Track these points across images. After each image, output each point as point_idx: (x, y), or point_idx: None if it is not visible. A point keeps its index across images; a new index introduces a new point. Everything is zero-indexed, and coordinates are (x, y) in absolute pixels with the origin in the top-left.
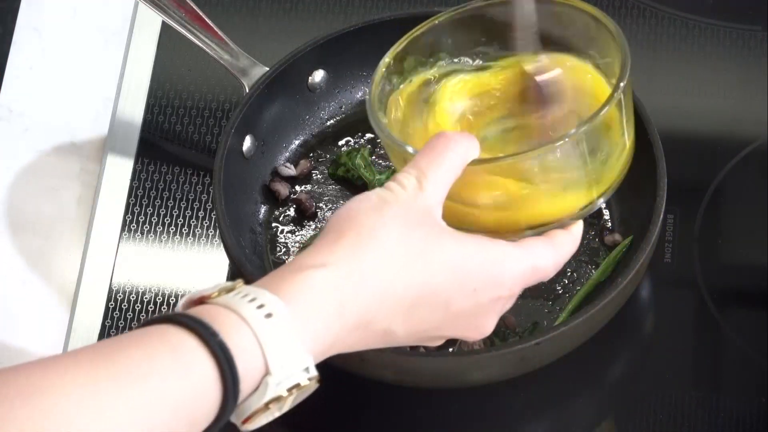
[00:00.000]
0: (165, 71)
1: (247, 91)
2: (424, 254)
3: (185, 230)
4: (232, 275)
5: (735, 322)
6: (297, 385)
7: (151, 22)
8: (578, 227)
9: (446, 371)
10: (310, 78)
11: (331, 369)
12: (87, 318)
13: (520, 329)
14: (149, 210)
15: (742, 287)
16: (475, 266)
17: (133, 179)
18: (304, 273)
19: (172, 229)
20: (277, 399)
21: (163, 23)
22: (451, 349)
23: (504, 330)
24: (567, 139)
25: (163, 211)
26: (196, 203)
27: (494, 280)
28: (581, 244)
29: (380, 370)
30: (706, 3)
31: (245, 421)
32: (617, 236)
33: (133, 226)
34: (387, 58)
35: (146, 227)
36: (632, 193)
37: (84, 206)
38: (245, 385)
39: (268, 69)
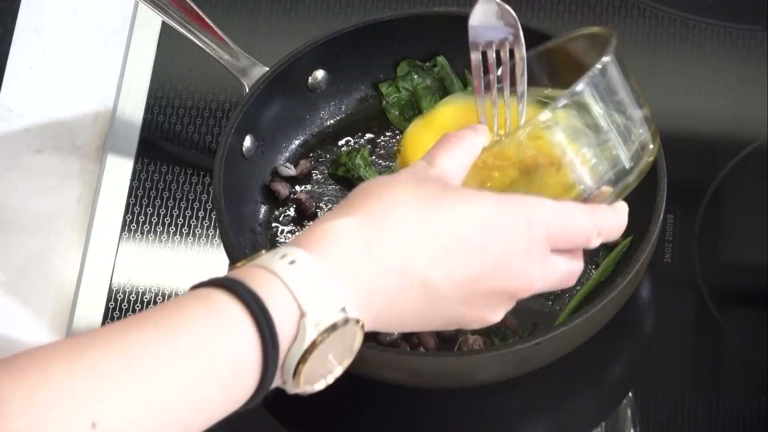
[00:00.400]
0: (165, 71)
1: (247, 91)
2: (447, 201)
3: (185, 230)
4: None
5: (735, 321)
6: (335, 326)
7: (151, 22)
8: (621, 204)
9: (446, 371)
10: (310, 78)
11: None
12: (87, 318)
13: (521, 330)
14: (149, 210)
15: (742, 287)
16: (505, 208)
17: (133, 179)
18: (325, 225)
19: (172, 228)
20: (322, 346)
21: (163, 23)
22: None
23: (504, 330)
24: (553, 111)
25: (163, 210)
26: (196, 203)
27: (526, 218)
28: None
29: (381, 370)
30: (706, 3)
31: (299, 379)
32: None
33: (133, 226)
34: None
35: (146, 227)
36: (632, 193)
37: (84, 206)
38: (283, 332)
39: (268, 69)
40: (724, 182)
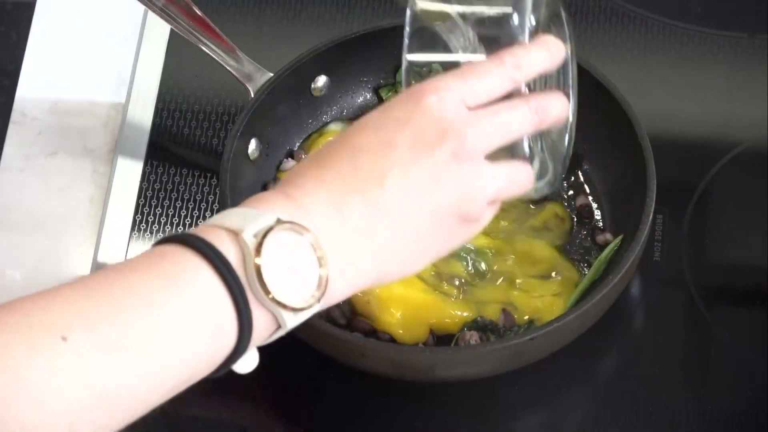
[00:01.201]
0: (173, 77)
1: (253, 95)
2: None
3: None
4: None
5: (723, 318)
6: (270, 228)
7: (160, 29)
8: (547, 38)
9: (443, 365)
10: (313, 83)
11: (332, 364)
12: None
13: (516, 326)
14: (158, 210)
15: (729, 285)
16: (395, 98)
17: (142, 181)
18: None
19: (180, 228)
20: (269, 251)
21: (172, 31)
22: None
23: (501, 328)
24: None
25: (171, 211)
26: (203, 204)
27: (410, 91)
28: (575, 243)
29: (379, 365)
30: (694, 11)
31: (271, 293)
32: (608, 236)
33: (143, 226)
34: None
35: (155, 227)
36: (623, 193)
37: (95, 206)
38: (230, 254)
39: (272, 75)
40: (711, 183)
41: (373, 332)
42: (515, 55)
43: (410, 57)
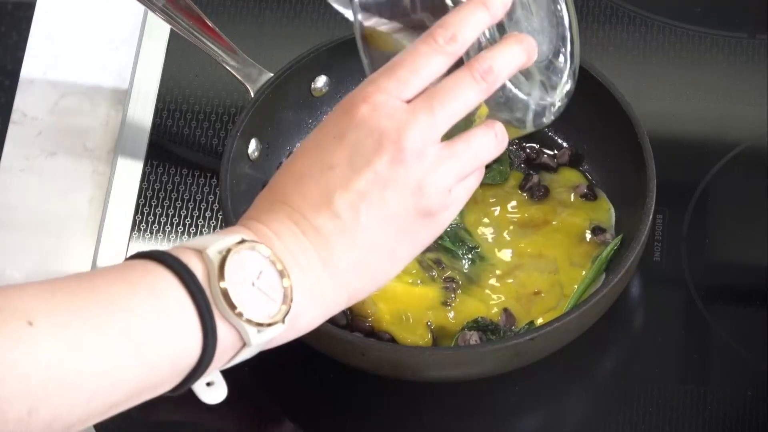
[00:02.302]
0: (173, 77)
1: (253, 96)
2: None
3: (193, 230)
4: None
5: (722, 318)
6: (230, 249)
7: (161, 30)
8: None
9: (443, 365)
10: (313, 83)
11: (332, 364)
12: None
13: (516, 326)
14: (158, 210)
15: (729, 285)
16: (334, 110)
17: (142, 181)
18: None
19: (180, 228)
20: (232, 269)
21: (172, 31)
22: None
23: (501, 328)
24: None
25: (171, 211)
26: (203, 204)
27: (343, 104)
28: (572, 244)
29: (379, 364)
30: (694, 11)
31: (236, 309)
32: (608, 235)
33: (143, 226)
34: None
35: (155, 227)
36: (623, 193)
37: (96, 207)
38: (196, 269)
39: (272, 75)
40: (711, 184)
41: (373, 332)
42: (446, 26)
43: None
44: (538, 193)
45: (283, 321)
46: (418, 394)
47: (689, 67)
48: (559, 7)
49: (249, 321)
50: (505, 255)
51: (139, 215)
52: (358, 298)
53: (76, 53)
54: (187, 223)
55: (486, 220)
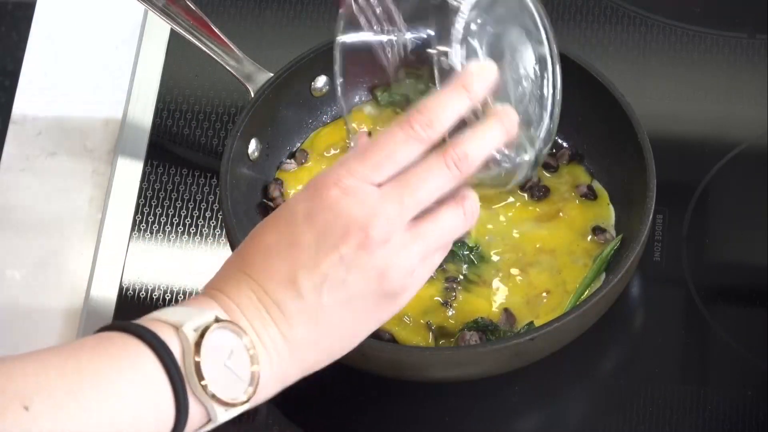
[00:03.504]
0: (173, 77)
1: (253, 96)
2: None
3: (193, 230)
4: None
5: (722, 318)
6: (207, 327)
7: (161, 30)
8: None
9: (443, 365)
10: (312, 83)
11: (332, 364)
12: (98, 314)
13: (516, 326)
14: (158, 210)
15: (729, 285)
16: (302, 192)
17: (142, 181)
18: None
19: (180, 228)
20: (207, 348)
21: (172, 31)
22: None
23: (501, 328)
24: None
25: (171, 211)
26: (203, 204)
27: (316, 183)
28: (572, 243)
29: (380, 365)
30: (694, 12)
31: (207, 388)
32: (608, 235)
33: (143, 226)
34: None
35: (155, 227)
36: (623, 193)
37: (96, 207)
38: (172, 345)
39: (272, 75)
40: (711, 183)
41: (373, 332)
42: (424, 111)
43: (342, 38)
44: (539, 193)
45: (248, 400)
46: (418, 394)
47: (689, 67)
48: (544, 65)
49: (218, 400)
50: (506, 255)
51: (139, 215)
52: (311, 371)
53: (76, 53)
54: (187, 223)
55: (486, 220)
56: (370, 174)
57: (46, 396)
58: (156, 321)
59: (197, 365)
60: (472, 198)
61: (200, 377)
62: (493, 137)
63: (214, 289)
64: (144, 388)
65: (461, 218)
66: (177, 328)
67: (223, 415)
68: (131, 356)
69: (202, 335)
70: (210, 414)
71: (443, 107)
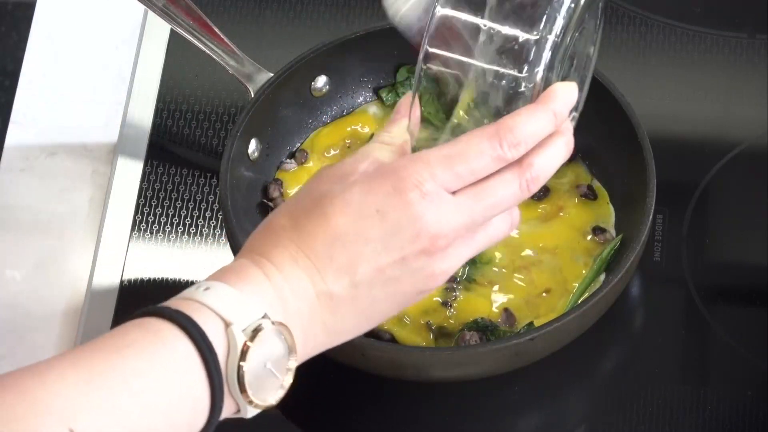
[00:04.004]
0: (173, 77)
1: (253, 96)
2: (321, 208)
3: (193, 230)
4: None
5: (722, 318)
6: (259, 327)
7: (161, 30)
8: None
9: (443, 365)
10: (313, 83)
11: (333, 364)
12: (98, 314)
13: (516, 326)
14: (158, 210)
15: (729, 285)
16: (372, 186)
17: (142, 181)
18: (235, 261)
19: (180, 228)
20: (255, 350)
21: (172, 31)
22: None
23: (501, 328)
24: None
25: (171, 211)
26: (203, 204)
27: (392, 186)
28: (573, 242)
29: (380, 365)
30: (694, 11)
31: (247, 390)
32: (608, 235)
33: (143, 226)
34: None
35: (155, 227)
36: (623, 193)
37: (95, 207)
38: (218, 345)
39: (272, 75)
40: (711, 183)
41: (373, 332)
42: (515, 132)
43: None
44: (539, 193)
45: (277, 401)
46: (418, 394)
47: (689, 67)
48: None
49: (251, 402)
50: (506, 254)
51: (139, 215)
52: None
53: (76, 53)
54: (187, 223)
55: None
56: (450, 182)
57: (90, 413)
58: (203, 307)
59: (240, 370)
60: (517, 210)
61: (242, 386)
62: (561, 159)
63: (263, 257)
64: (183, 387)
65: (508, 226)
66: (225, 324)
67: (252, 412)
68: (177, 357)
69: (252, 337)
70: (241, 411)
71: (533, 131)
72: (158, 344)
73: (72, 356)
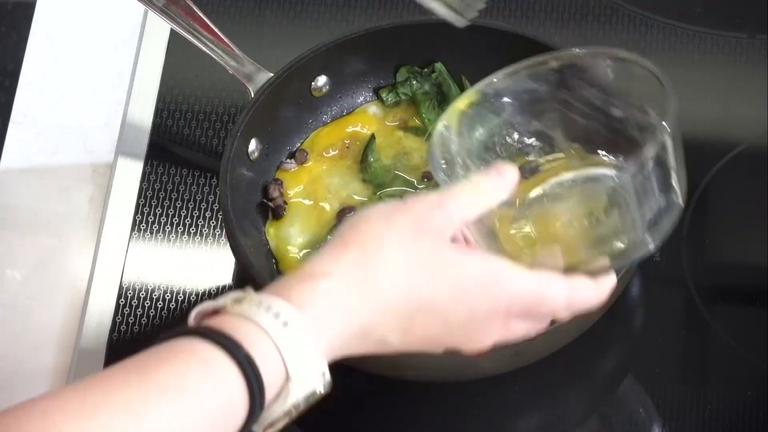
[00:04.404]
0: (173, 77)
1: (253, 95)
2: (426, 266)
3: (193, 230)
4: (238, 273)
5: (722, 318)
6: (314, 393)
7: (161, 30)
8: (607, 281)
9: (444, 365)
10: (313, 83)
11: (333, 364)
12: (98, 314)
13: None
14: (158, 210)
15: (729, 285)
16: (475, 279)
17: (142, 181)
18: (312, 282)
19: (180, 228)
20: (296, 404)
21: (172, 31)
22: None
23: None
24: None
25: (171, 211)
26: (203, 204)
27: (491, 294)
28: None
29: (379, 364)
30: (694, 11)
31: (266, 428)
32: None
33: (143, 226)
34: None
35: (155, 227)
36: None
37: (95, 207)
38: (269, 393)
39: (272, 75)
40: (711, 184)
41: None
42: (573, 310)
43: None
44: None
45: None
46: (418, 394)
47: (689, 67)
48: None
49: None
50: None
51: (139, 215)
52: None
53: (76, 53)
54: (187, 223)
55: None
56: (526, 311)
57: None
58: (267, 341)
59: (278, 420)
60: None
61: (272, 426)
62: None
63: (342, 311)
64: (225, 416)
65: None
66: (286, 374)
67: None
68: (220, 386)
69: (307, 398)
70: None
71: (587, 306)
72: (212, 383)
73: (110, 386)
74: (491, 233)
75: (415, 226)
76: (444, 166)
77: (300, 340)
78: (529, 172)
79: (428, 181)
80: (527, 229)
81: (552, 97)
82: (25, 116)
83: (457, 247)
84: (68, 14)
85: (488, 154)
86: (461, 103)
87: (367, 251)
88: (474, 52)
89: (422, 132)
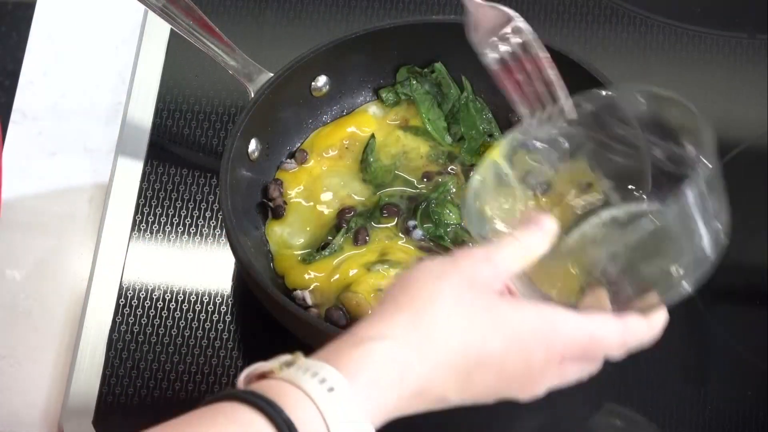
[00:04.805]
0: (173, 77)
1: (253, 96)
2: (481, 321)
3: (192, 230)
4: (238, 273)
5: (721, 318)
6: None
7: (161, 30)
8: (658, 317)
9: None
10: (313, 83)
11: None
12: (98, 314)
13: None
14: (158, 210)
15: (729, 285)
16: (529, 329)
17: (142, 181)
18: (364, 346)
19: (180, 228)
20: None
21: (172, 31)
22: None
23: None
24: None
25: (171, 211)
26: (203, 204)
27: (546, 342)
28: None
29: None
30: (694, 12)
31: None
32: None
33: (143, 226)
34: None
35: (155, 227)
36: None
37: (96, 207)
38: None
39: (272, 75)
40: None
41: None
42: (619, 350)
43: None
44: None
45: None
46: None
47: (689, 67)
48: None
49: None
50: None
51: (139, 215)
52: None
53: (76, 53)
54: (187, 223)
55: None
56: (581, 355)
57: None
58: (317, 420)
59: None
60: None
61: None
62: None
63: (399, 373)
64: None
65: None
66: None
67: None
68: None
69: None
70: None
71: (632, 348)
72: None
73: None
74: (533, 281)
75: (466, 282)
76: (480, 218)
77: (345, 405)
78: (568, 213)
79: (428, 181)
80: (570, 271)
81: (587, 138)
82: (25, 116)
83: (508, 299)
84: (68, 14)
85: (525, 200)
86: (495, 153)
87: (420, 311)
88: (474, 52)
89: (422, 132)
